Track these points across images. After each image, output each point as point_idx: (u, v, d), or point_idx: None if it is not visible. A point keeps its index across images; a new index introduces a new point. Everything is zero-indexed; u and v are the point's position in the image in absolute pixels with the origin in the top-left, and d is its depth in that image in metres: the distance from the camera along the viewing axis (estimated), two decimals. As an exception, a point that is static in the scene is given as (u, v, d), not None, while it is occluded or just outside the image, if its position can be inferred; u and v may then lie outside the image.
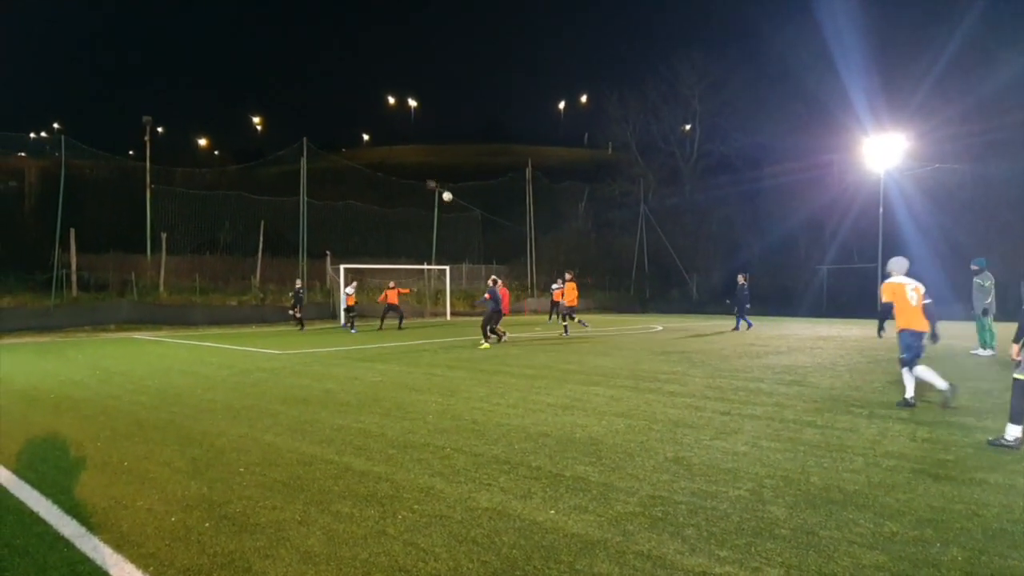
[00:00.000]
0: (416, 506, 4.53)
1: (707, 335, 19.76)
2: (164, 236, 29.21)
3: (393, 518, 4.30)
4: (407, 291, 25.42)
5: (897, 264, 8.49)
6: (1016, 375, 6.04)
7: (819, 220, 37.71)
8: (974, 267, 13.67)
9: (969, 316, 14.10)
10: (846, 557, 3.65)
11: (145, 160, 29.01)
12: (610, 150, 57.66)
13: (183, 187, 31.45)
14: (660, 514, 4.34)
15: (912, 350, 7.98)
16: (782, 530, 4.05)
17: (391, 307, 22.87)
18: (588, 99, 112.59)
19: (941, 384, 7.87)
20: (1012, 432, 6.00)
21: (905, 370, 8.09)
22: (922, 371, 7.97)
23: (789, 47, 40.24)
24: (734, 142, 45.60)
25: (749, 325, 21.67)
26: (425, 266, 34.45)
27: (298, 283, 23.82)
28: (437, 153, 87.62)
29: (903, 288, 8.18)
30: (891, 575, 3.44)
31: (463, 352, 14.94)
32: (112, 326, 23.15)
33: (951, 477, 5.12)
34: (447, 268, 32.81)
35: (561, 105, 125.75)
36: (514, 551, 3.77)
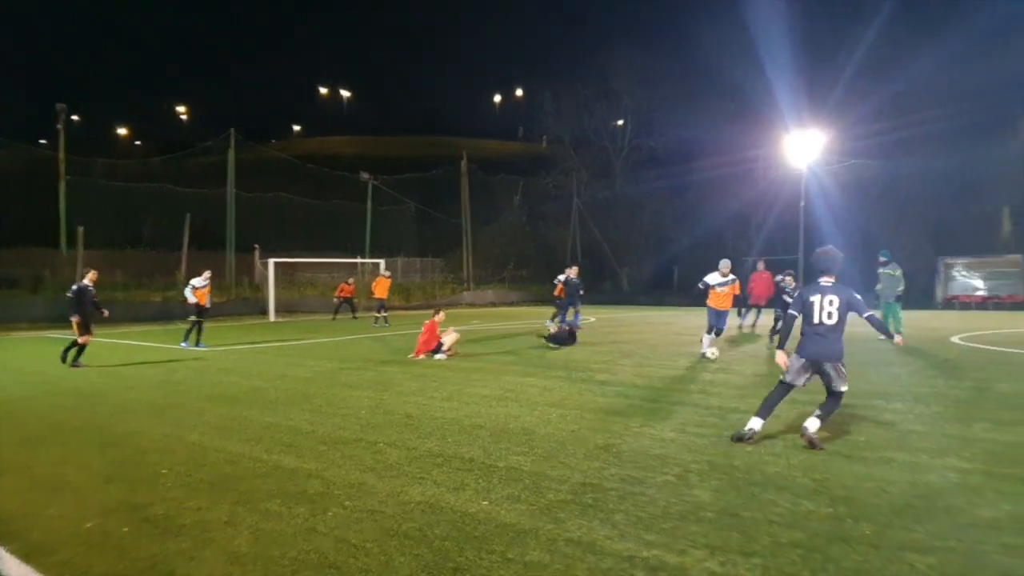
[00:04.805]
0: (347, 502, 4.49)
1: (636, 326, 20.18)
2: (81, 230, 27.74)
3: (323, 515, 4.25)
4: (351, 292, 26.33)
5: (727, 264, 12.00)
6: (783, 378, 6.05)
7: (745, 214, 38.95)
8: (881, 259, 14.47)
9: (875, 304, 14.87)
10: (766, 536, 3.82)
11: (58, 150, 27.46)
12: (544, 144, 57.96)
13: (103, 179, 29.96)
14: (591, 501, 4.43)
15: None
16: (707, 513, 4.20)
17: (346, 300, 25.32)
18: (523, 93, 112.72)
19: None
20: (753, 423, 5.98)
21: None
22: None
23: (717, 43, 41.18)
24: (664, 137, 46.45)
25: (564, 321, 16.62)
26: (359, 259, 33.94)
27: (90, 274, 13.71)
28: (372, 144, 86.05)
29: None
30: (807, 551, 3.62)
31: (397, 346, 14.81)
32: (24, 324, 21.92)
33: (862, 457, 5.42)
34: (382, 261, 32.39)
35: (497, 98, 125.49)
36: (446, 543, 3.78)
